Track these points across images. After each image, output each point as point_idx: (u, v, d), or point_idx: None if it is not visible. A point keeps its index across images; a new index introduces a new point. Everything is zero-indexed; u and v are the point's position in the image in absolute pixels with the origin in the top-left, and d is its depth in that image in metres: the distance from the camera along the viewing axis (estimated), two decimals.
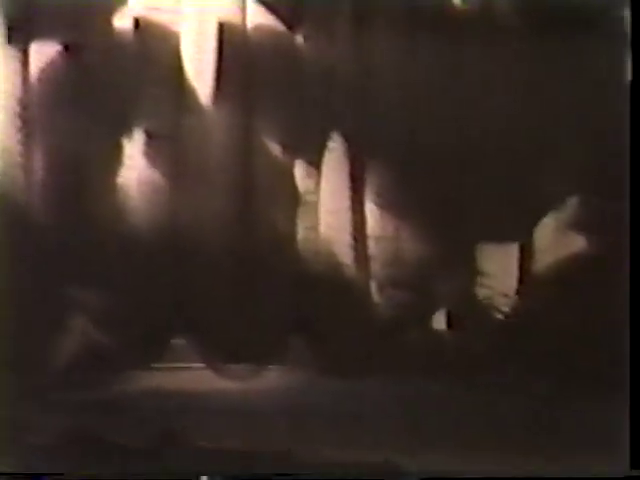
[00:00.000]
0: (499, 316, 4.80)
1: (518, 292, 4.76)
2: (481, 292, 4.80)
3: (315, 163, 4.71)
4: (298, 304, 4.74)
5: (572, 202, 4.66)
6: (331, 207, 4.70)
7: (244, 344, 4.71)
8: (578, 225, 4.66)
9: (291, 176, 4.74)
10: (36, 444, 4.19)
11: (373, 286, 4.74)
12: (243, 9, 4.70)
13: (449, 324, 4.83)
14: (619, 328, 4.52)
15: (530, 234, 4.73)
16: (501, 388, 4.62)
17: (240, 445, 4.21)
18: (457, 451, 4.24)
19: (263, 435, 4.25)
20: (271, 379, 4.67)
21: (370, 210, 4.71)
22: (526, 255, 4.73)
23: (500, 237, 4.75)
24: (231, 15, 4.71)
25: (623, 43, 4.48)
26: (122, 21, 4.77)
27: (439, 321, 4.84)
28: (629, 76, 4.46)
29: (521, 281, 4.75)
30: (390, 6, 4.64)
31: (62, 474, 3.87)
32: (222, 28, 4.68)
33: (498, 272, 4.77)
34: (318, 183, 4.73)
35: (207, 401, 4.54)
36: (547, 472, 3.91)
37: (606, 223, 4.61)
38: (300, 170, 4.73)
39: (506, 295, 4.78)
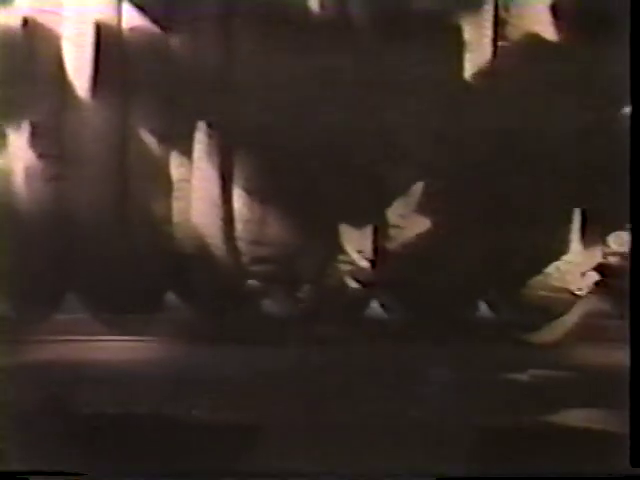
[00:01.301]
0: (357, 286, 5.31)
1: (373, 266, 5.29)
2: (340, 267, 5.31)
3: (188, 154, 5.17)
4: (173, 280, 5.21)
5: (417, 187, 5.18)
6: (202, 194, 5.17)
7: (124, 317, 5.17)
8: (423, 208, 5.18)
9: (166, 165, 5.19)
10: None
11: (241, 263, 5.23)
12: (119, 12, 5.13)
13: (312, 294, 5.31)
14: (462, 295, 5.14)
15: (383, 216, 5.24)
16: (357, 349, 5.10)
17: (119, 410, 4.63)
18: (315, 408, 4.67)
19: (140, 400, 4.67)
20: (148, 349, 5.10)
21: (238, 195, 5.18)
22: (380, 235, 5.24)
23: (357, 219, 5.25)
24: (107, 17, 5.13)
25: (459, 47, 5.01)
26: (11, 19, 5.16)
27: (304, 292, 5.33)
28: (467, 76, 5.01)
29: (375, 257, 5.27)
30: (253, 11, 5.09)
31: (60, 473, 4.07)
32: (99, 29, 5.10)
33: (356, 249, 5.28)
34: (191, 171, 5.20)
35: (91, 371, 4.92)
36: (547, 472, 4.07)
37: (448, 205, 5.15)
38: (174, 160, 5.19)
39: (362, 269, 5.30)
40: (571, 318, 5.07)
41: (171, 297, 5.16)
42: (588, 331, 5.06)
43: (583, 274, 5.11)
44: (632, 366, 3.94)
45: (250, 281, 5.25)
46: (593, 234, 5.10)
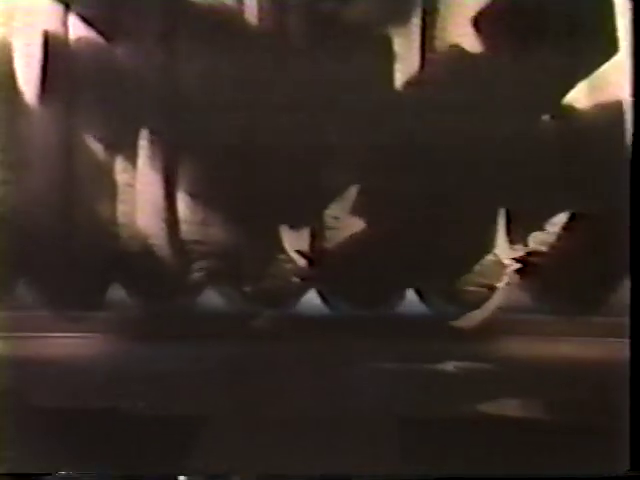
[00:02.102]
0: (298, 280, 5.57)
1: (310, 264, 5.55)
2: (281, 265, 5.57)
3: (132, 159, 5.40)
4: (117, 277, 5.46)
5: (353, 191, 5.43)
6: (146, 198, 5.40)
7: (69, 313, 5.41)
8: (359, 209, 5.44)
9: (111, 170, 5.43)
10: None
11: (184, 263, 5.48)
12: (65, 24, 5.35)
13: (253, 292, 5.56)
14: (392, 291, 5.43)
15: (320, 218, 5.49)
16: (297, 342, 5.34)
17: (73, 403, 4.83)
18: (259, 397, 4.89)
19: (92, 394, 4.88)
20: (95, 346, 5.33)
21: (182, 199, 5.42)
22: (317, 236, 5.50)
23: (295, 221, 5.50)
24: (55, 29, 5.35)
25: (390, 55, 5.28)
26: None
27: (245, 289, 5.57)
28: (399, 83, 5.27)
29: (313, 256, 5.52)
30: (195, 22, 5.33)
31: (50, 474, 4.09)
32: (47, 40, 5.33)
33: (294, 249, 5.53)
34: (135, 177, 5.43)
35: (44, 367, 5.11)
36: (548, 472, 4.11)
37: (381, 207, 5.41)
38: (119, 165, 5.42)
39: (301, 267, 5.56)
40: (488, 309, 5.39)
41: (115, 294, 5.42)
42: (507, 324, 5.37)
43: (505, 267, 5.42)
44: (632, 364, 4.00)
45: (192, 278, 5.50)
46: (516, 234, 5.40)
